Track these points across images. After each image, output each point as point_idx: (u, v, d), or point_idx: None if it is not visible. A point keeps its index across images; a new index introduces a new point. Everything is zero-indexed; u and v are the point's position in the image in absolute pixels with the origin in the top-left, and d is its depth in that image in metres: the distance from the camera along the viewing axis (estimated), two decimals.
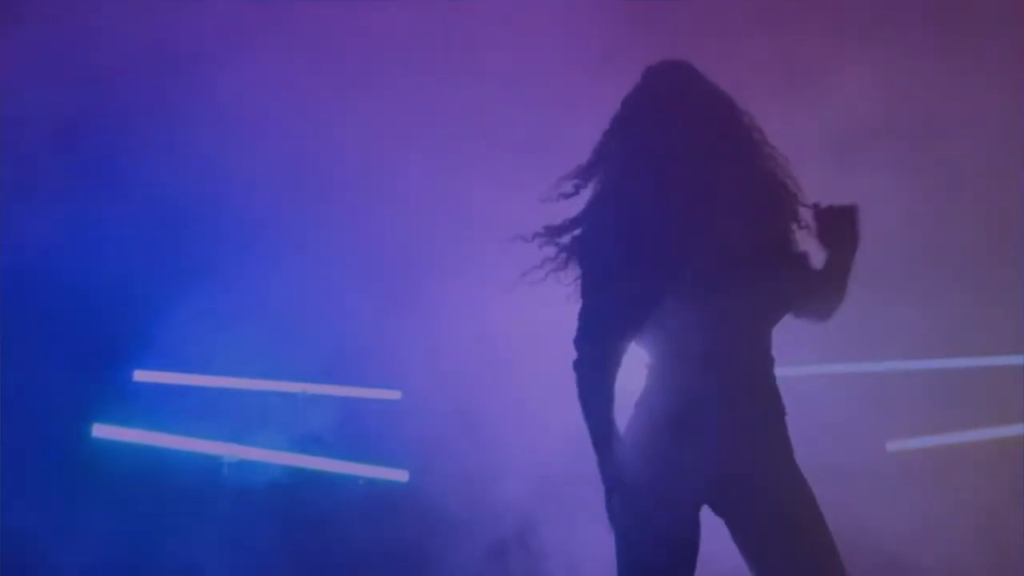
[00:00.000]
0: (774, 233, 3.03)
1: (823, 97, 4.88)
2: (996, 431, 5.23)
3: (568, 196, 3.07)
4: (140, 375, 5.15)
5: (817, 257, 3.09)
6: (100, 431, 5.06)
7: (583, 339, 2.94)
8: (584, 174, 3.07)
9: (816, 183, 3.10)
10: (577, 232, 3.03)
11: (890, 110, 5.06)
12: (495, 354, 4.95)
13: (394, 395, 5.30)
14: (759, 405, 3.01)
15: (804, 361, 4.93)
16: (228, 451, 5.11)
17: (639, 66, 3.10)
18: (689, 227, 2.94)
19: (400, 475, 5.22)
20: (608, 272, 2.95)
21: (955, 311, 5.13)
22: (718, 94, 3.03)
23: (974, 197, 5.10)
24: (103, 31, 4.99)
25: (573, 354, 2.95)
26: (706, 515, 3.04)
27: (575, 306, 3.06)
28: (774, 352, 3.05)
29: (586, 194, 3.07)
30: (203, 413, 5.11)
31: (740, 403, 2.97)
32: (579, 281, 3.01)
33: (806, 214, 3.06)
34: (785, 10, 5.13)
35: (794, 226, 3.05)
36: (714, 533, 3.05)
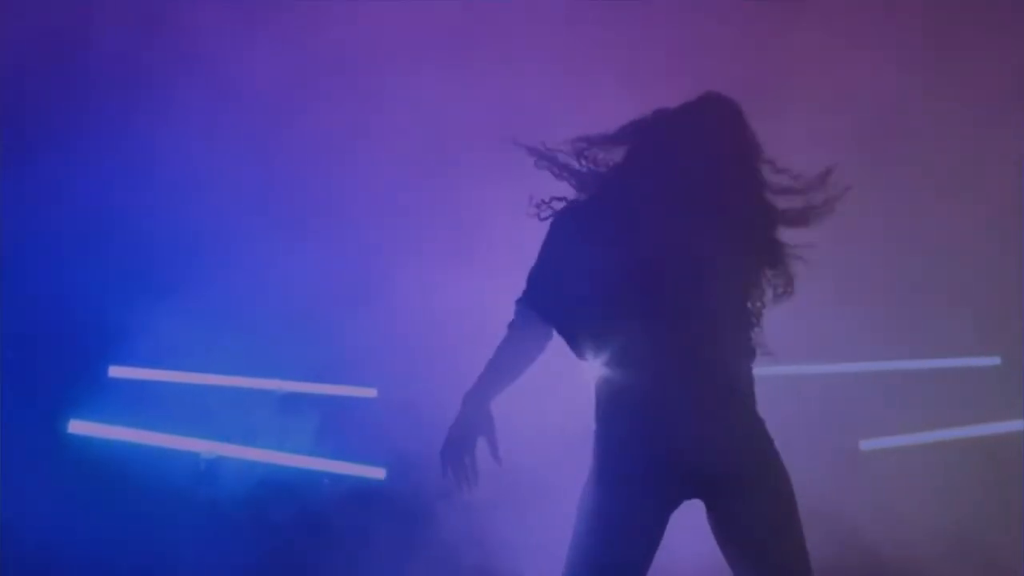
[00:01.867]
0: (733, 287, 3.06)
1: (803, 99, 4.91)
2: (968, 430, 5.28)
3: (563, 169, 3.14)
4: (115, 371, 5.13)
5: None
6: (76, 427, 5.05)
7: (522, 303, 3.09)
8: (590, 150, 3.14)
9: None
10: (559, 204, 3.11)
11: (871, 113, 5.10)
12: (472, 352, 4.95)
13: (370, 393, 5.31)
14: (722, 398, 3.03)
15: (780, 362, 4.96)
16: (204, 447, 5.11)
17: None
18: (655, 231, 3.00)
19: (377, 472, 5.23)
20: (566, 255, 3.04)
21: (930, 314, 5.17)
22: (749, 141, 3.09)
23: (947, 205, 5.13)
24: (83, 40, 5.01)
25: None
26: (683, 514, 3.06)
27: None
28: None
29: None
30: (180, 409, 5.10)
31: (702, 398, 2.99)
32: (542, 249, 3.10)
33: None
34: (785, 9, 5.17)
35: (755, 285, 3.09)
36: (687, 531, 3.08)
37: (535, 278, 3.11)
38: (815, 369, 5.19)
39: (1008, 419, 5.28)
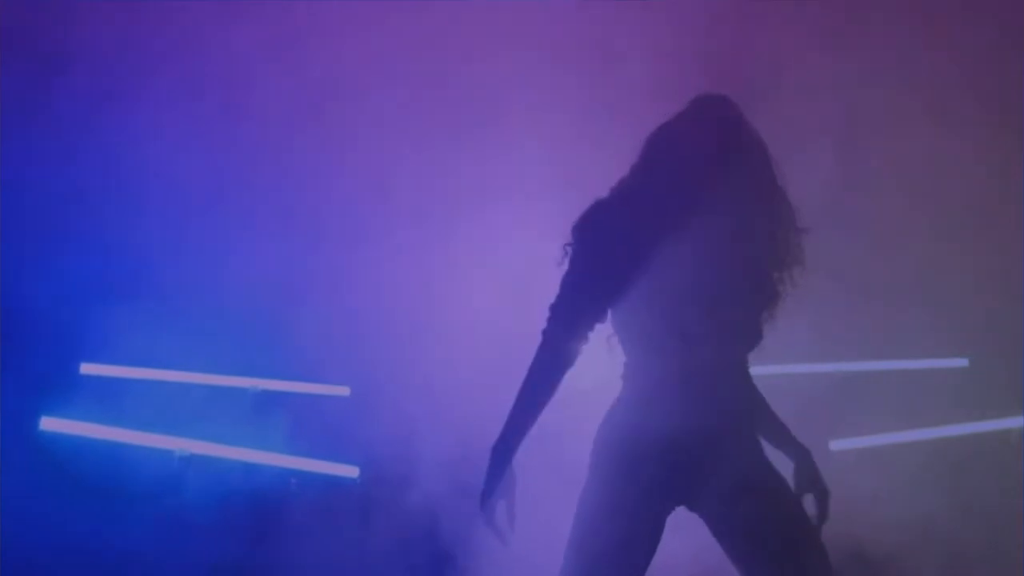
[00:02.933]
0: (760, 276, 3.14)
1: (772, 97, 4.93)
2: (937, 431, 5.32)
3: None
4: (86, 368, 5.12)
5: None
6: (48, 424, 5.03)
7: (559, 309, 3.05)
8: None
9: None
10: (588, 215, 3.11)
11: (841, 116, 5.12)
12: (442, 349, 4.97)
13: (343, 391, 5.31)
14: (734, 414, 3.11)
15: (750, 363, 4.99)
16: (178, 445, 5.11)
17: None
18: (684, 247, 3.03)
19: (350, 471, 5.24)
20: (602, 262, 3.04)
21: (899, 316, 5.21)
22: (754, 137, 3.14)
23: (915, 208, 5.17)
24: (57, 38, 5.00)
25: (532, 341, 3.06)
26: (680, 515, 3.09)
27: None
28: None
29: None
30: (154, 407, 5.09)
31: (715, 411, 3.06)
32: (574, 254, 3.09)
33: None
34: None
35: (779, 276, 3.16)
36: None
37: (567, 284, 3.10)
38: (785, 369, 5.22)
39: (975, 420, 5.33)
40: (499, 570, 4.56)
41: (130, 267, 5.03)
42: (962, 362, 5.41)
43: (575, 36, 5.03)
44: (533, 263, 4.51)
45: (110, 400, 5.06)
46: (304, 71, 5.10)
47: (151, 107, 5.01)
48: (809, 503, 3.21)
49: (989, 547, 4.95)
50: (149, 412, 5.07)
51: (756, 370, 4.61)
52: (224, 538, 5.01)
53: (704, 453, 3.04)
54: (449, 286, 4.90)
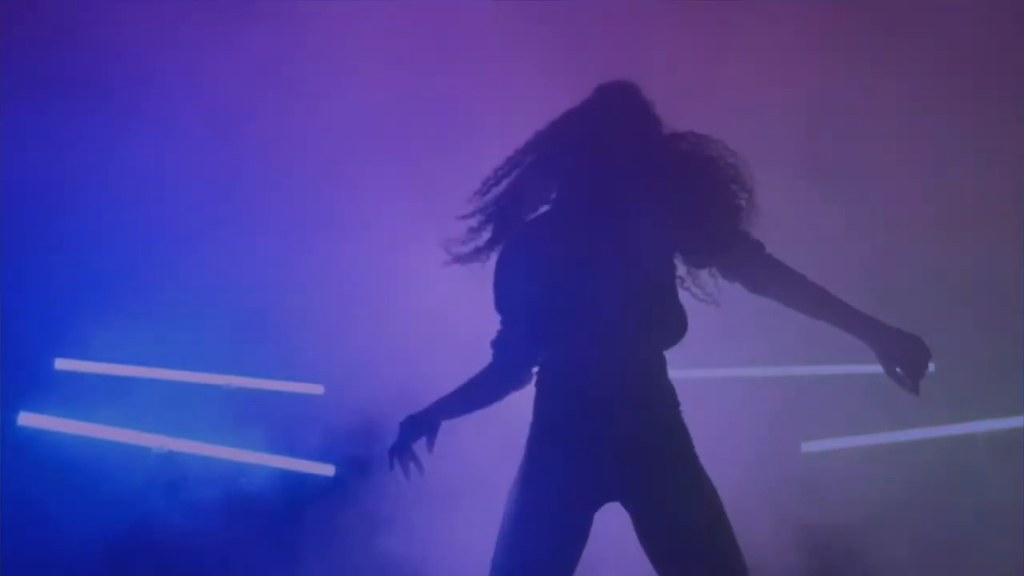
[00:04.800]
0: (693, 260, 3.10)
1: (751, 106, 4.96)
2: (905, 434, 5.38)
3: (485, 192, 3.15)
4: (61, 364, 5.12)
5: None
6: (26, 420, 5.04)
7: (499, 345, 3.12)
8: (508, 166, 3.15)
9: None
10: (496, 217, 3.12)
11: (807, 125, 5.16)
12: (416, 348, 4.99)
13: (316, 389, 5.33)
14: (652, 401, 3.07)
15: (723, 364, 5.03)
16: (155, 442, 5.12)
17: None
18: (603, 237, 3.03)
19: (326, 469, 5.26)
20: (516, 281, 3.07)
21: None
22: (657, 122, 3.11)
23: (881, 214, 5.22)
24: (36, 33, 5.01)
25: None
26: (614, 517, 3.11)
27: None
28: (685, 355, 3.14)
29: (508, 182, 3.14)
30: (131, 404, 5.10)
31: (633, 401, 3.03)
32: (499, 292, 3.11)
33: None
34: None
35: (717, 255, 3.10)
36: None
37: (503, 311, 3.12)
38: (757, 372, 5.26)
39: (942, 423, 5.39)
40: (469, 566, 4.60)
41: (105, 265, 5.04)
42: (929, 367, 5.44)
43: (562, 39, 5.06)
44: None
45: (87, 396, 5.07)
46: (281, 76, 5.12)
47: (128, 109, 5.02)
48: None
49: (956, 544, 5.02)
50: (127, 408, 5.07)
51: (729, 372, 4.64)
52: (199, 533, 5.02)
53: (628, 447, 3.01)
54: (424, 285, 4.92)
